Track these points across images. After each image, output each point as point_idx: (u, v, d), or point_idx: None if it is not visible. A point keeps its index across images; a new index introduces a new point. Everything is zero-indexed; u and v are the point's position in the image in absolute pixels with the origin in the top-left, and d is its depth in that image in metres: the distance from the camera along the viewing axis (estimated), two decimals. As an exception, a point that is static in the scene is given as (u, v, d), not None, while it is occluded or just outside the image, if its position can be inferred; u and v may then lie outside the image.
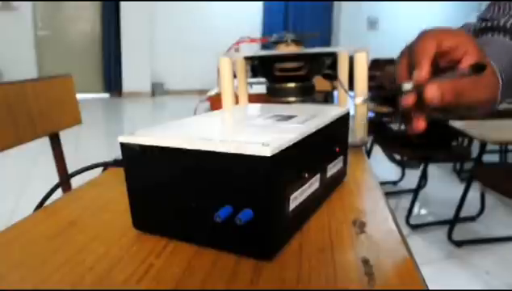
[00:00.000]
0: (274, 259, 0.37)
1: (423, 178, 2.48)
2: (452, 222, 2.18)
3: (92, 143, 4.16)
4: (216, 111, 0.60)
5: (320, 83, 0.94)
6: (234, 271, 0.36)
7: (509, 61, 0.50)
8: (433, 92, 0.41)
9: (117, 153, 0.46)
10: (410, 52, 0.45)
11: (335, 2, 8.57)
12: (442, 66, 0.45)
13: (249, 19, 8.03)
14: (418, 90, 0.43)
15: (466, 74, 0.42)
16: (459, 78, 0.42)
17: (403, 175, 3.05)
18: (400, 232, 0.43)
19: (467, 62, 0.44)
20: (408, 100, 0.43)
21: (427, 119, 0.47)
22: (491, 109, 0.48)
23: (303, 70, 0.84)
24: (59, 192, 0.60)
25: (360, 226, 0.44)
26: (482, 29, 0.58)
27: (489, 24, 0.57)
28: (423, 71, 0.42)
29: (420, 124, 0.46)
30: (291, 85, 0.85)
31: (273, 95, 0.87)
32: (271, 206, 0.36)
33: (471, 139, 2.77)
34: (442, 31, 0.45)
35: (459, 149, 2.67)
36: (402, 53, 0.48)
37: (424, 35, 0.45)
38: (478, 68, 0.41)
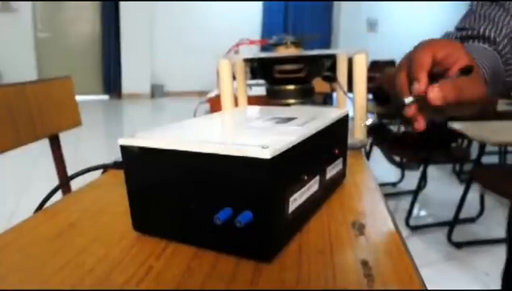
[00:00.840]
0: (274, 260, 0.38)
1: (423, 179, 2.48)
2: (452, 224, 2.18)
3: (92, 145, 4.16)
4: (215, 114, 0.60)
5: (319, 85, 0.94)
6: (234, 272, 0.36)
7: (491, 65, 0.56)
8: (435, 94, 0.45)
9: (117, 156, 0.47)
10: (409, 66, 0.49)
11: (335, 3, 8.58)
12: (435, 73, 0.49)
13: (248, 20, 8.04)
14: (418, 99, 0.47)
15: (456, 76, 0.46)
16: (455, 79, 0.46)
17: (402, 176, 3.05)
18: (399, 233, 0.43)
19: (460, 65, 0.47)
20: (410, 112, 0.48)
21: (427, 120, 0.50)
22: (481, 105, 0.52)
23: (302, 72, 0.84)
24: (59, 194, 0.60)
25: (359, 228, 0.44)
26: (462, 38, 0.62)
27: (469, 33, 0.61)
28: (422, 84, 0.46)
29: (420, 125, 0.49)
30: (291, 87, 0.85)
31: (272, 97, 0.87)
32: (271, 208, 0.36)
33: (470, 140, 2.77)
34: (436, 42, 0.49)
35: (458, 150, 2.67)
36: (401, 66, 0.52)
37: (420, 49, 0.49)
38: (466, 70, 0.46)
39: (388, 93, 0.56)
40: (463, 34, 0.62)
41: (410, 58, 0.49)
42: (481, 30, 0.60)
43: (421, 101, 0.47)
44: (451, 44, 0.49)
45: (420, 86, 0.46)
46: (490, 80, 0.55)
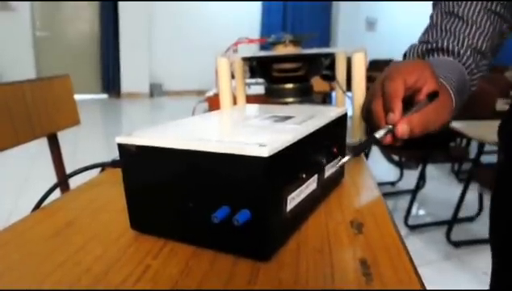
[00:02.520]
0: (272, 259, 0.37)
1: (421, 178, 2.48)
2: (450, 223, 2.19)
3: (90, 144, 4.16)
4: (213, 112, 0.60)
5: (318, 84, 0.94)
6: (232, 271, 0.36)
7: (457, 78, 0.58)
8: (403, 129, 0.50)
9: (115, 154, 0.46)
10: (383, 95, 0.52)
11: (333, 3, 8.58)
12: (405, 97, 0.52)
13: (247, 19, 8.03)
14: (390, 130, 0.51)
15: (424, 104, 0.51)
16: (422, 110, 0.50)
17: (401, 175, 3.05)
18: (398, 233, 0.43)
19: (426, 90, 0.51)
20: (387, 140, 0.51)
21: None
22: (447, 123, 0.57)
23: (301, 71, 0.84)
24: (57, 193, 0.60)
25: (358, 227, 0.44)
26: (428, 50, 0.64)
27: (433, 46, 0.63)
28: (397, 114, 0.50)
29: (388, 140, 0.52)
30: (289, 86, 0.85)
31: (271, 96, 0.87)
32: (269, 207, 0.36)
33: (469, 140, 2.77)
34: (405, 69, 0.52)
35: (457, 149, 2.68)
36: (374, 94, 0.54)
37: (392, 78, 0.51)
38: (433, 96, 0.51)
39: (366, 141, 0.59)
40: (428, 47, 0.64)
41: (383, 87, 0.52)
42: (444, 43, 0.62)
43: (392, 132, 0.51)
44: (419, 67, 0.52)
45: (395, 116, 0.50)
46: (457, 92, 0.57)
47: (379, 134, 0.50)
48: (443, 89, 0.54)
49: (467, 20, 0.63)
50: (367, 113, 0.56)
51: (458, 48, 0.61)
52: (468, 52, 0.61)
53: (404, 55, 0.68)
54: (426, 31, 0.67)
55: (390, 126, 0.50)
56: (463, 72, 0.60)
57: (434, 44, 0.63)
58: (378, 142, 0.51)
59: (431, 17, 0.67)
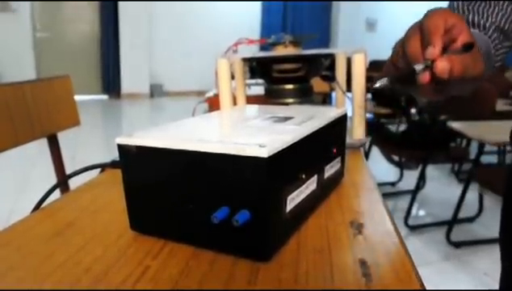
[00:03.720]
0: (272, 260, 0.37)
1: (421, 179, 2.48)
2: (450, 223, 2.18)
3: (90, 144, 4.16)
4: (213, 113, 0.60)
5: (318, 85, 0.94)
6: (231, 272, 0.36)
7: (484, 48, 0.57)
8: (443, 66, 0.46)
9: (115, 155, 0.46)
10: (422, 30, 0.50)
11: (334, 3, 8.58)
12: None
13: (247, 20, 8.04)
14: (429, 65, 0.48)
15: (458, 52, 0.48)
16: (460, 54, 0.48)
17: (401, 176, 3.05)
18: (397, 233, 0.43)
19: (461, 40, 0.49)
20: (425, 78, 0.48)
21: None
22: (478, 84, 0.55)
23: (301, 72, 0.84)
24: (57, 193, 0.60)
25: (358, 227, 0.44)
26: None
27: None
28: (437, 48, 0.47)
29: (426, 78, 0.49)
30: (289, 86, 0.85)
31: (271, 97, 0.87)
32: (268, 207, 0.36)
33: (469, 140, 2.78)
34: (445, 11, 0.50)
35: (457, 150, 2.67)
36: (412, 31, 0.53)
37: (433, 13, 0.50)
38: (468, 47, 0.48)
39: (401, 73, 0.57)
40: None
41: (423, 23, 0.50)
42: (470, 18, 0.62)
43: (431, 68, 0.47)
44: (457, 14, 0.51)
45: (435, 50, 0.47)
46: (484, 61, 0.56)
47: (418, 67, 0.48)
48: (476, 48, 0.52)
49: (489, 2, 0.63)
50: (402, 51, 0.53)
51: (483, 21, 0.61)
52: (493, 28, 0.61)
53: None
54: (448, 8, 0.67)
55: (429, 61, 0.48)
56: (488, 44, 0.60)
57: None
58: (414, 77, 0.48)
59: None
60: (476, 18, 0.62)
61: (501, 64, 0.64)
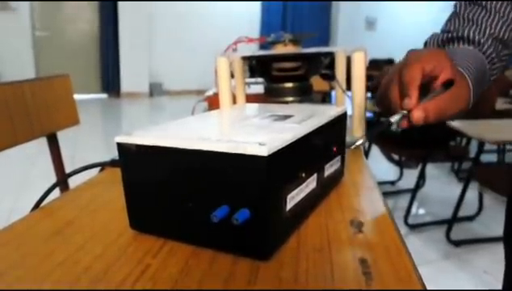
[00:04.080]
0: (272, 258, 0.37)
1: (421, 178, 2.48)
2: (450, 222, 2.19)
3: (90, 143, 4.16)
4: (213, 112, 0.60)
5: (317, 83, 0.94)
6: (231, 271, 0.36)
7: (475, 66, 0.59)
8: (418, 115, 0.50)
9: (115, 154, 0.46)
10: (400, 81, 0.53)
11: (333, 2, 8.57)
12: (422, 84, 0.52)
13: (247, 20, 8.03)
14: (404, 115, 0.52)
15: (440, 92, 0.52)
16: (438, 97, 0.51)
17: (401, 174, 3.05)
18: (397, 232, 0.43)
19: (442, 79, 0.52)
20: (403, 125, 0.52)
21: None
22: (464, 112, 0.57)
23: (301, 70, 0.84)
24: (56, 192, 0.60)
25: (358, 226, 0.44)
26: (448, 39, 0.66)
27: (455, 35, 0.65)
28: (412, 99, 0.51)
29: (404, 125, 0.53)
30: (289, 85, 0.85)
31: (271, 95, 0.87)
32: (268, 206, 0.36)
33: (469, 139, 2.77)
34: (423, 56, 0.53)
35: (457, 148, 2.68)
36: (391, 79, 0.56)
37: (410, 64, 0.52)
38: (448, 84, 0.52)
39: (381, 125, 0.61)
40: (449, 36, 0.65)
41: (401, 73, 0.53)
42: (465, 32, 0.63)
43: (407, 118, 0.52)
44: (437, 55, 0.53)
45: (411, 101, 0.51)
46: (476, 81, 0.58)
47: (394, 118, 0.51)
48: (461, 77, 0.55)
49: (490, 9, 0.63)
50: (383, 99, 0.57)
51: (479, 37, 0.62)
52: (489, 42, 0.62)
53: (425, 43, 0.69)
54: (449, 19, 0.68)
55: (405, 111, 0.51)
56: (483, 61, 0.61)
57: (455, 34, 0.64)
58: (392, 126, 0.52)
59: (455, 6, 0.68)
60: (471, 35, 0.63)
61: (497, 76, 0.66)
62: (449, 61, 0.52)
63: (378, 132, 0.52)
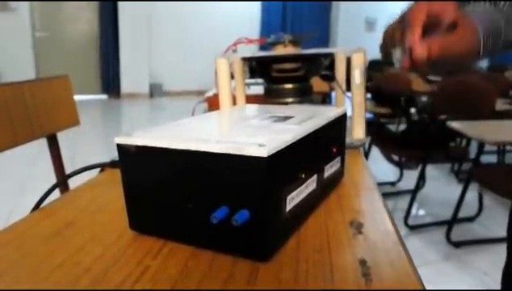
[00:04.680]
0: (271, 259, 0.37)
1: (421, 178, 2.48)
2: (450, 223, 2.19)
3: (90, 144, 4.16)
4: (212, 112, 0.60)
5: (318, 85, 0.94)
6: (231, 272, 0.36)
7: (486, 17, 0.57)
8: (420, 49, 0.49)
9: (114, 155, 0.46)
10: (404, 25, 0.54)
11: (333, 3, 8.57)
12: (427, 27, 0.52)
13: (247, 20, 8.03)
14: (409, 52, 0.51)
15: (443, 32, 0.51)
16: (442, 35, 0.50)
17: (401, 175, 3.05)
18: (397, 233, 0.43)
19: (446, 20, 0.51)
20: (406, 63, 0.52)
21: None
22: (473, 63, 0.55)
23: (300, 71, 0.84)
24: (56, 193, 0.60)
25: (357, 227, 0.44)
26: None
27: None
28: (415, 35, 0.50)
29: (406, 63, 0.53)
30: (289, 86, 0.85)
31: (270, 96, 0.87)
32: (268, 207, 0.36)
33: (469, 140, 2.78)
34: (429, 1, 0.52)
35: (457, 149, 2.67)
36: (396, 25, 0.56)
37: (416, 4, 0.52)
38: (452, 27, 0.51)
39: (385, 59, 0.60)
40: None
41: (406, 12, 0.53)
42: None
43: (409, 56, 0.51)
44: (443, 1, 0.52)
45: (413, 36, 0.50)
46: (485, 29, 0.56)
47: (395, 57, 0.51)
48: (466, 20, 0.53)
49: None
50: (387, 45, 0.57)
51: None
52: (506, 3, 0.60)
53: None
54: None
55: (405, 48, 0.51)
56: (498, 20, 0.58)
57: None
58: (395, 64, 0.52)
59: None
60: None
61: None
62: (454, 4, 0.52)
63: (382, 66, 0.53)
